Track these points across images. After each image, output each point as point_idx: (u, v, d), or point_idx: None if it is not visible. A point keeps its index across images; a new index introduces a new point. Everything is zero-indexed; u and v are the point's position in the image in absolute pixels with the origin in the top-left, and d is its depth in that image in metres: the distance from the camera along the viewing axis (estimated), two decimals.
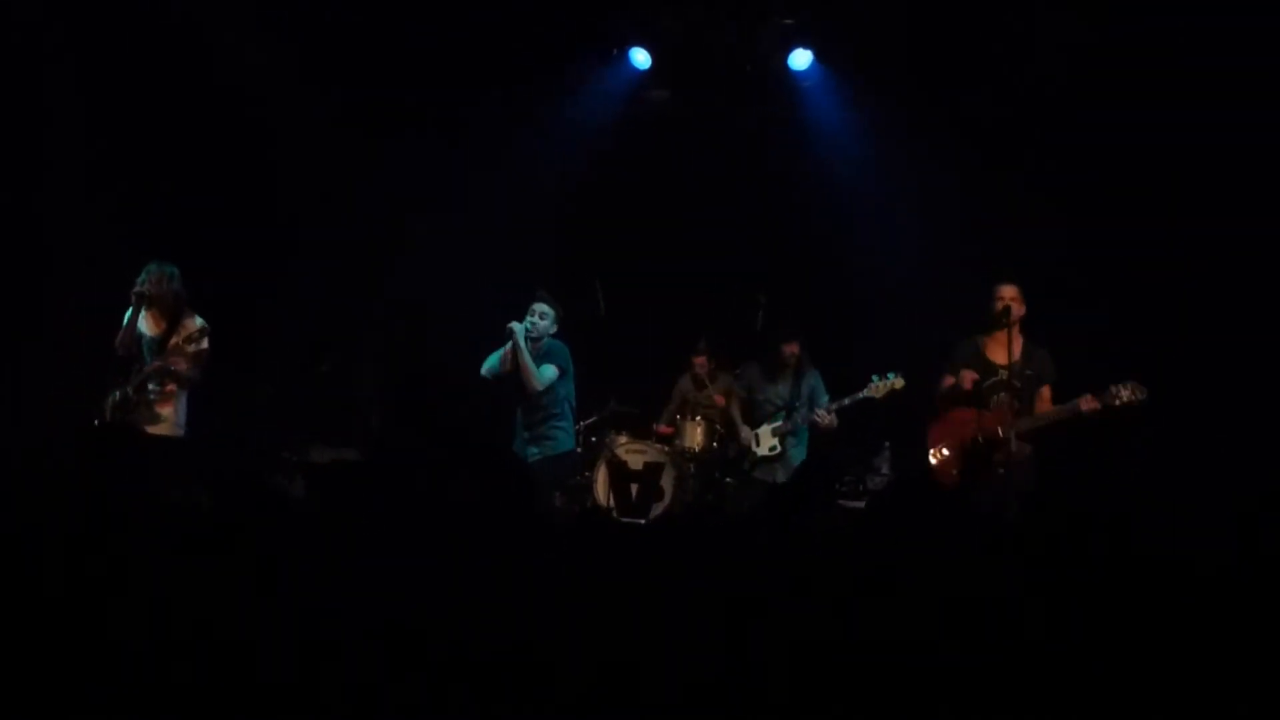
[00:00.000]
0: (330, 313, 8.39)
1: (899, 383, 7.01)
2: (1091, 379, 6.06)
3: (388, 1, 7.89)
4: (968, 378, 6.25)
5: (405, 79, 8.24)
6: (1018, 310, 6.22)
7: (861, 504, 7.35)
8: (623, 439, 7.90)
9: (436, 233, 8.44)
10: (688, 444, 7.83)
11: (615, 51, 8.54)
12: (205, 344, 6.32)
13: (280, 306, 8.03)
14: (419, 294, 8.51)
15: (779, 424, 7.39)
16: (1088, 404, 6.00)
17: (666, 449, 7.88)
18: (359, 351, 8.34)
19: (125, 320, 6.35)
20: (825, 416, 7.16)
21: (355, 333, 8.38)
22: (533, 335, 6.66)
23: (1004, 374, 6.19)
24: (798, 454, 7.33)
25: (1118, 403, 5.94)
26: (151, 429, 6.18)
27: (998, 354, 6.25)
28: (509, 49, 8.08)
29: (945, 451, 6.31)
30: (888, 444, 7.92)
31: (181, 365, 6.27)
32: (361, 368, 8.37)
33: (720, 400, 7.95)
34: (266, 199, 8.26)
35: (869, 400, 7.08)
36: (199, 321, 6.34)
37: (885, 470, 7.86)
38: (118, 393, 6.24)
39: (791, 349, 7.42)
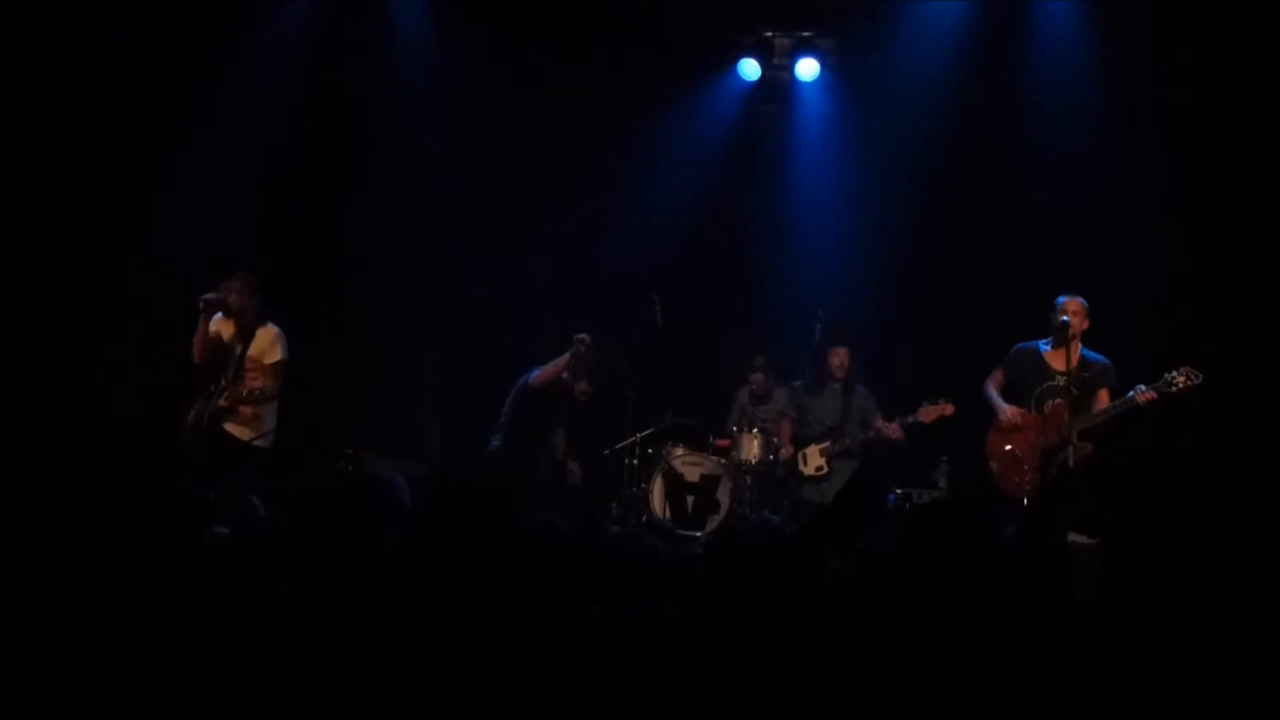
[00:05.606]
0: (392, 326, 8.57)
1: (948, 408, 7.07)
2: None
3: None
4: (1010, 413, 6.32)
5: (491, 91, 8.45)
6: (1080, 324, 6.18)
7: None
8: (679, 451, 7.94)
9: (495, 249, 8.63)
10: (744, 456, 7.83)
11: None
12: (281, 353, 6.33)
13: (342, 318, 8.27)
14: (481, 311, 8.66)
15: (826, 445, 7.42)
16: (1144, 396, 5.95)
17: (723, 461, 7.90)
18: (421, 367, 8.48)
19: (197, 330, 6.29)
20: (896, 430, 7.22)
21: (416, 348, 8.54)
22: None
23: (1061, 380, 6.18)
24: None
25: (1174, 389, 5.89)
26: (236, 432, 6.26)
27: (1056, 361, 6.26)
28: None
29: (1006, 459, 6.31)
30: (945, 458, 7.88)
31: (258, 382, 6.27)
32: (422, 383, 8.48)
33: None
34: (335, 212, 8.50)
35: (918, 424, 7.18)
36: (274, 330, 6.34)
37: (942, 484, 7.81)
38: (205, 408, 6.23)
39: (839, 357, 7.45)
